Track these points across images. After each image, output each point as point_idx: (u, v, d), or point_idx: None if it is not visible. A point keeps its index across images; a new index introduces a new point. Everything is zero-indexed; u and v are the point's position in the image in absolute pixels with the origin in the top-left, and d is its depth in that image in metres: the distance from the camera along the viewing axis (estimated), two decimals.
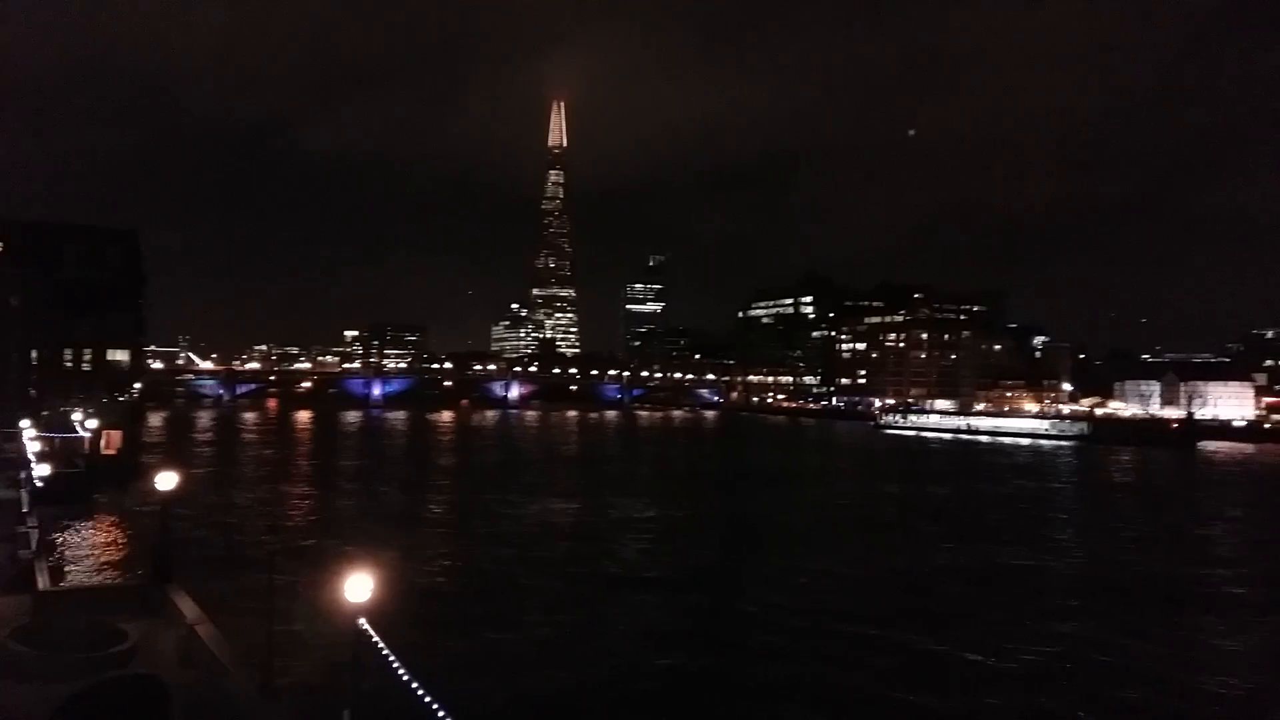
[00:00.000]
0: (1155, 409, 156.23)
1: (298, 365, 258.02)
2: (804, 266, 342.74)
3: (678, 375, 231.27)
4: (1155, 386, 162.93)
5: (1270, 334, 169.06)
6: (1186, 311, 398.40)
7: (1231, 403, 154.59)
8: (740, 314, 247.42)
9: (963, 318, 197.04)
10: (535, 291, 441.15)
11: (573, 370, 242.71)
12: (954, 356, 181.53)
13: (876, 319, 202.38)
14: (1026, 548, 41.15)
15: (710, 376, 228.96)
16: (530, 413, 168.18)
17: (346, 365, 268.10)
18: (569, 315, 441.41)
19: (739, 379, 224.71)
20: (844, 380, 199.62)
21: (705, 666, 22.78)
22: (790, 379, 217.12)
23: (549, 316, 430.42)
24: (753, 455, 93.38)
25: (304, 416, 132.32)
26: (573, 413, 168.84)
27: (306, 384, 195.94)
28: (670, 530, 43.39)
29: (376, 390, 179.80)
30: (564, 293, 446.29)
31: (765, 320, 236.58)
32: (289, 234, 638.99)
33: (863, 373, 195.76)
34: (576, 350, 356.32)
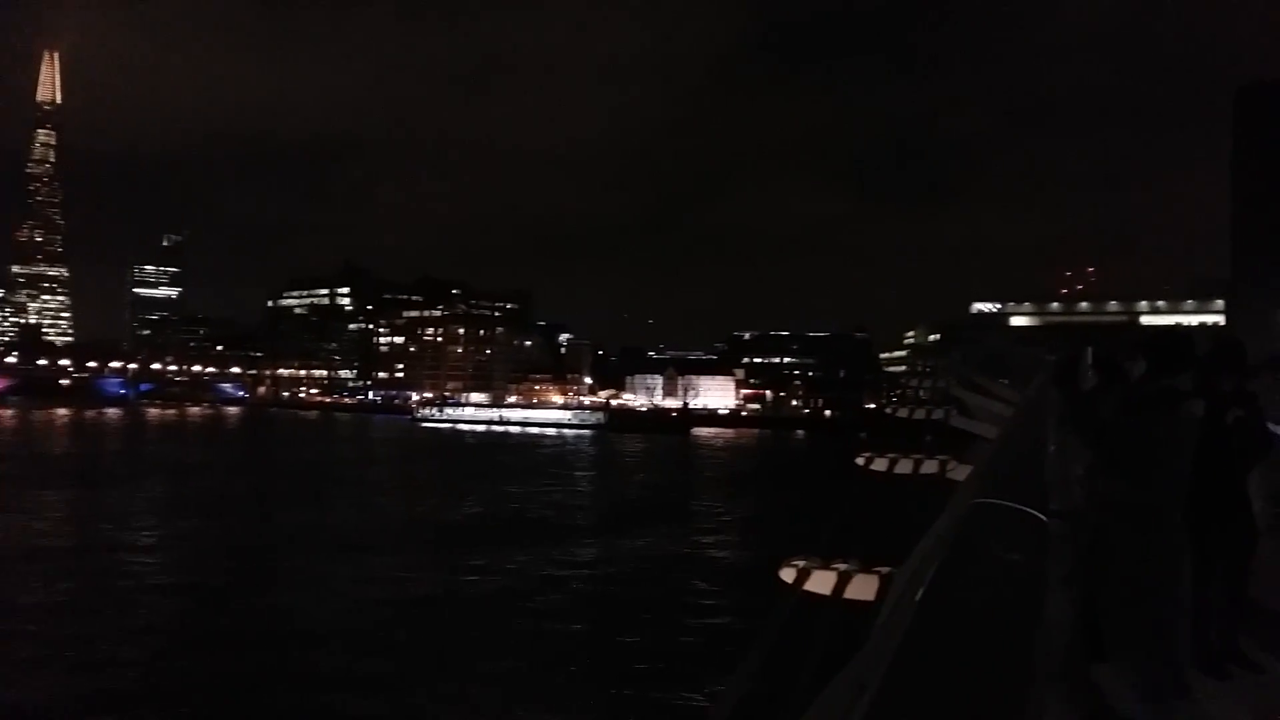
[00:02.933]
0: (659, 400, 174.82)
1: None
2: (343, 256, 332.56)
3: (197, 368, 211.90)
4: (659, 380, 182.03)
5: (748, 335, 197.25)
6: (686, 314, 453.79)
7: (718, 394, 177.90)
8: (271, 303, 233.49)
9: (497, 314, 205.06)
10: (16, 269, 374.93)
11: (65, 362, 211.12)
12: (489, 351, 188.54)
13: (415, 313, 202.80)
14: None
15: (235, 370, 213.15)
16: (5, 412, 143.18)
17: None
18: (60, 298, 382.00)
19: (268, 373, 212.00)
20: (381, 374, 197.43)
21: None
22: (325, 372, 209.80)
23: (34, 299, 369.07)
24: (272, 453, 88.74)
25: None
26: (63, 411, 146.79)
27: None
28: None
29: None
30: (54, 271, 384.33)
31: (299, 310, 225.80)
32: None
33: (400, 366, 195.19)
34: (70, 339, 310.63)
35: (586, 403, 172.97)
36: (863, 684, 2.37)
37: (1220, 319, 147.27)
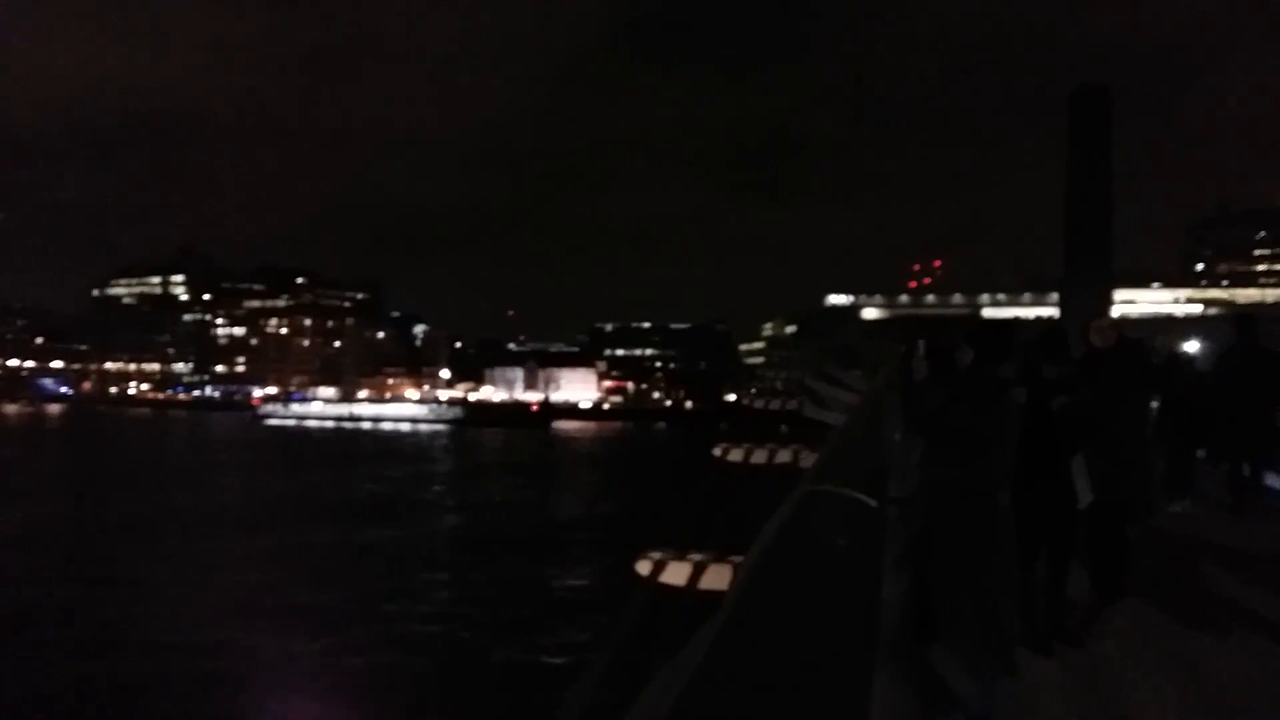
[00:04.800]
0: (519, 393, 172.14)
1: None
2: (178, 243, 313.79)
3: (14, 363, 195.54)
4: (519, 373, 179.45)
5: (609, 327, 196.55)
6: (547, 305, 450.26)
7: (580, 387, 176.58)
8: (97, 292, 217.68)
9: (347, 305, 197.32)
10: None
11: None
12: (338, 344, 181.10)
13: (258, 303, 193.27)
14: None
15: (58, 364, 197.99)
16: None
17: None
18: None
19: (94, 367, 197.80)
20: (221, 368, 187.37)
21: None
22: (158, 366, 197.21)
23: None
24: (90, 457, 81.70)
25: None
26: None
27: None
28: None
29: None
30: None
31: (128, 300, 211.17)
32: None
33: (242, 360, 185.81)
34: None
35: (443, 397, 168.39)
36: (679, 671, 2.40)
37: (1055, 310, 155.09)
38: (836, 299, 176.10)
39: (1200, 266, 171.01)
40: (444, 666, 21.52)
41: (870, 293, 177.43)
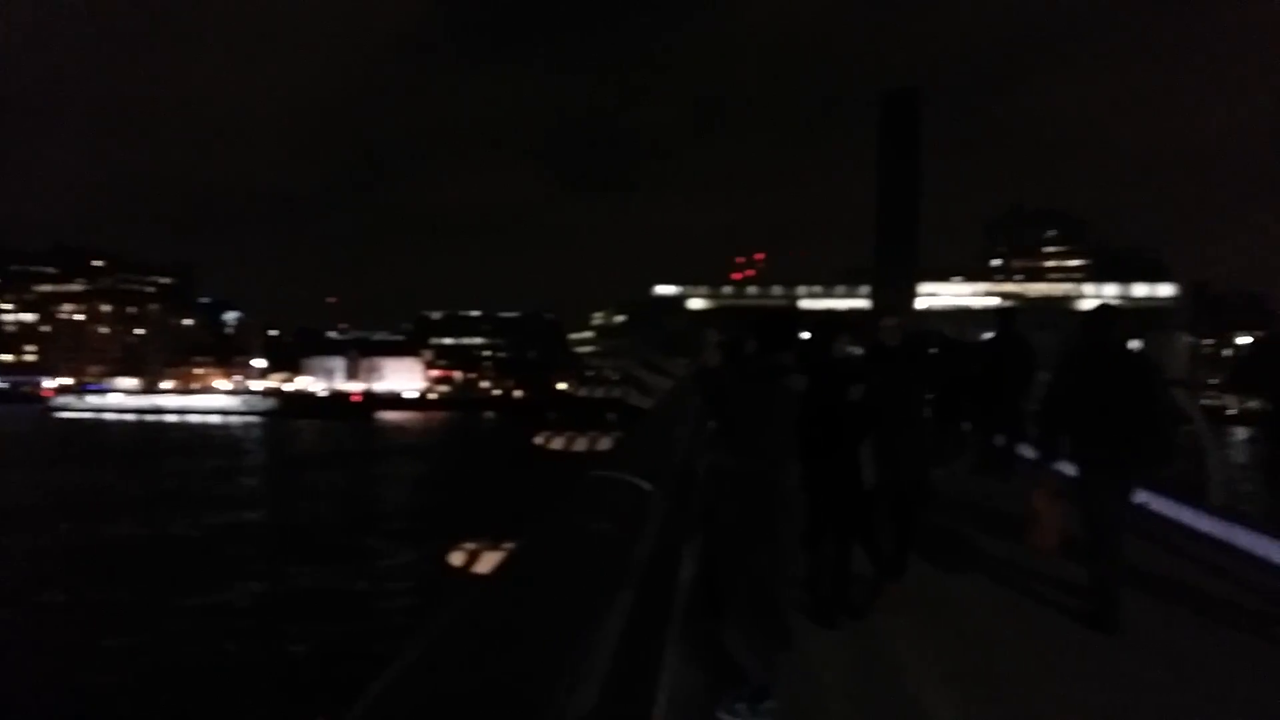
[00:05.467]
0: (340, 383, 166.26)
1: None
2: None
3: None
4: (340, 362, 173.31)
5: (437, 315, 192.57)
6: (370, 293, 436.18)
7: (405, 376, 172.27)
8: None
9: (151, 290, 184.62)
10: None
11: None
12: (141, 331, 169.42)
13: (50, 287, 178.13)
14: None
15: None
16: None
17: None
18: None
19: None
20: (8, 357, 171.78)
21: None
22: None
23: None
24: None
25: None
26: None
27: None
28: None
29: None
30: None
31: None
32: None
33: (32, 349, 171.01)
34: None
35: (258, 387, 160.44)
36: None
37: (867, 303, 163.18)
38: (664, 289, 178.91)
39: (997, 262, 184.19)
40: (226, 660, 20.60)
41: (696, 284, 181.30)
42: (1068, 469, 6.37)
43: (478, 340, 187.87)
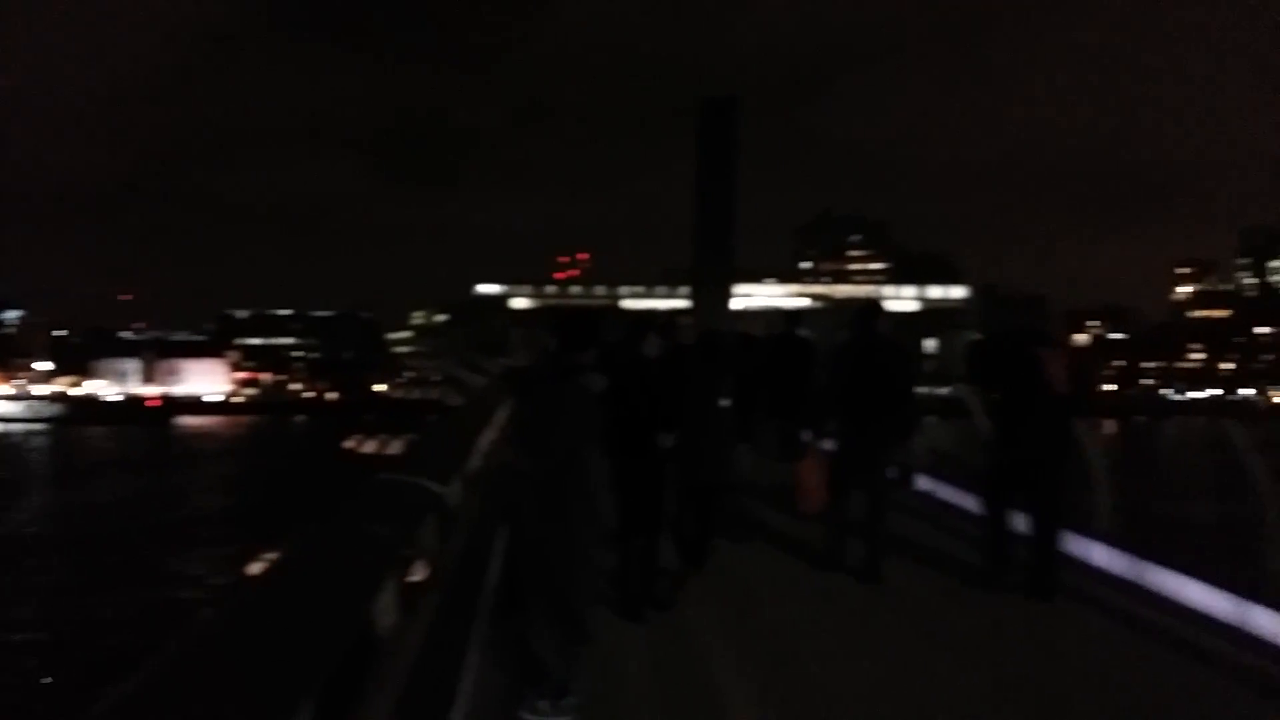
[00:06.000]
0: (135, 387, 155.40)
1: None
2: None
3: None
4: (134, 364, 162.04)
5: (243, 314, 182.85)
6: (169, 291, 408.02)
7: (207, 379, 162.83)
8: None
9: None
10: None
11: None
12: None
13: None
14: None
15: None
16: None
17: None
18: None
19: None
20: None
21: None
22: None
23: None
24: None
25: None
26: None
27: None
28: None
29: None
30: None
31: None
32: None
33: None
34: None
35: (42, 392, 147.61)
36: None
37: (687, 303, 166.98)
38: (487, 288, 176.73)
39: (807, 265, 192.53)
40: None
41: (520, 283, 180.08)
42: (832, 445, 7.35)
43: (288, 340, 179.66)
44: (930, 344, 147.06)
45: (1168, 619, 5.90)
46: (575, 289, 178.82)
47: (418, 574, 6.19)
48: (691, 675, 4.94)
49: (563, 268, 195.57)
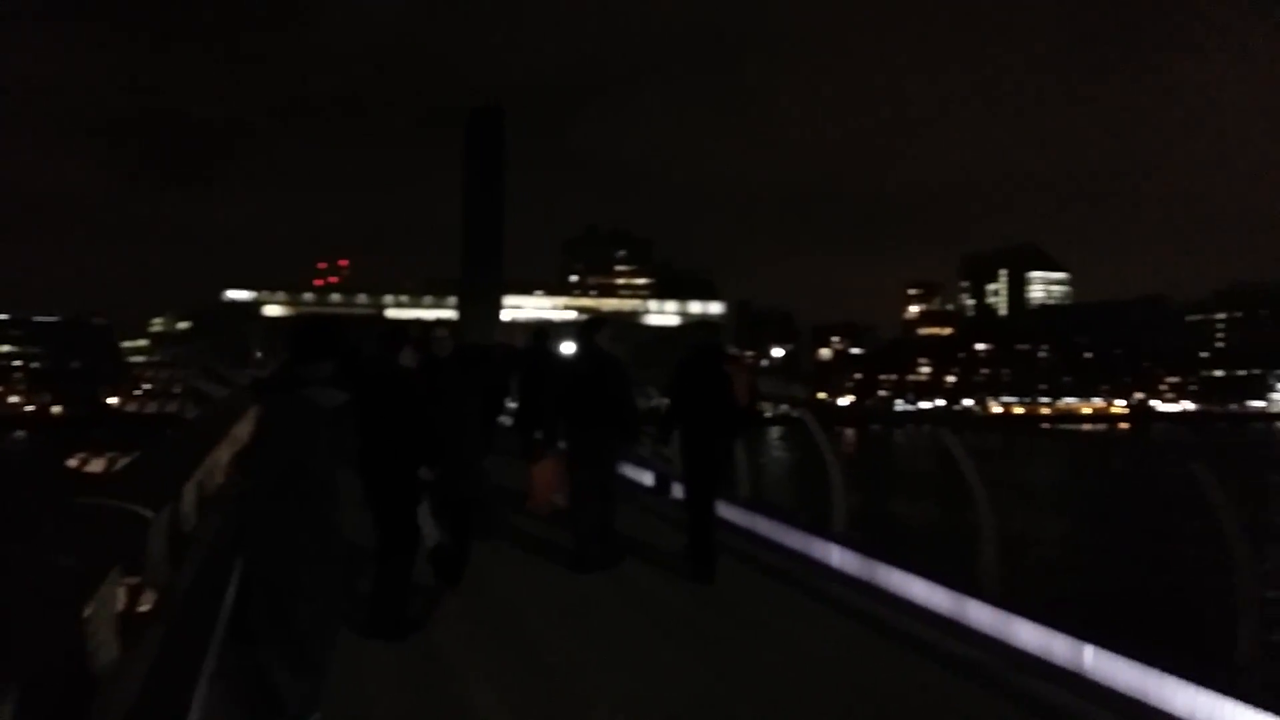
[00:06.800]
0: None
1: None
2: None
3: None
4: None
5: None
6: None
7: None
8: None
9: None
10: None
11: None
12: None
13: None
14: None
15: None
16: None
17: None
18: None
19: None
20: None
21: None
22: None
23: None
24: None
25: None
26: None
27: None
28: None
29: None
30: None
31: None
32: None
33: None
34: None
35: None
36: None
37: (454, 313, 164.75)
38: (236, 294, 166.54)
39: (575, 278, 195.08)
40: None
41: (274, 289, 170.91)
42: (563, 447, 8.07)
43: (6, 349, 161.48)
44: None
45: (894, 613, 6.36)
46: (335, 296, 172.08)
47: (144, 604, 5.67)
48: (445, 695, 4.82)
49: (322, 274, 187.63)
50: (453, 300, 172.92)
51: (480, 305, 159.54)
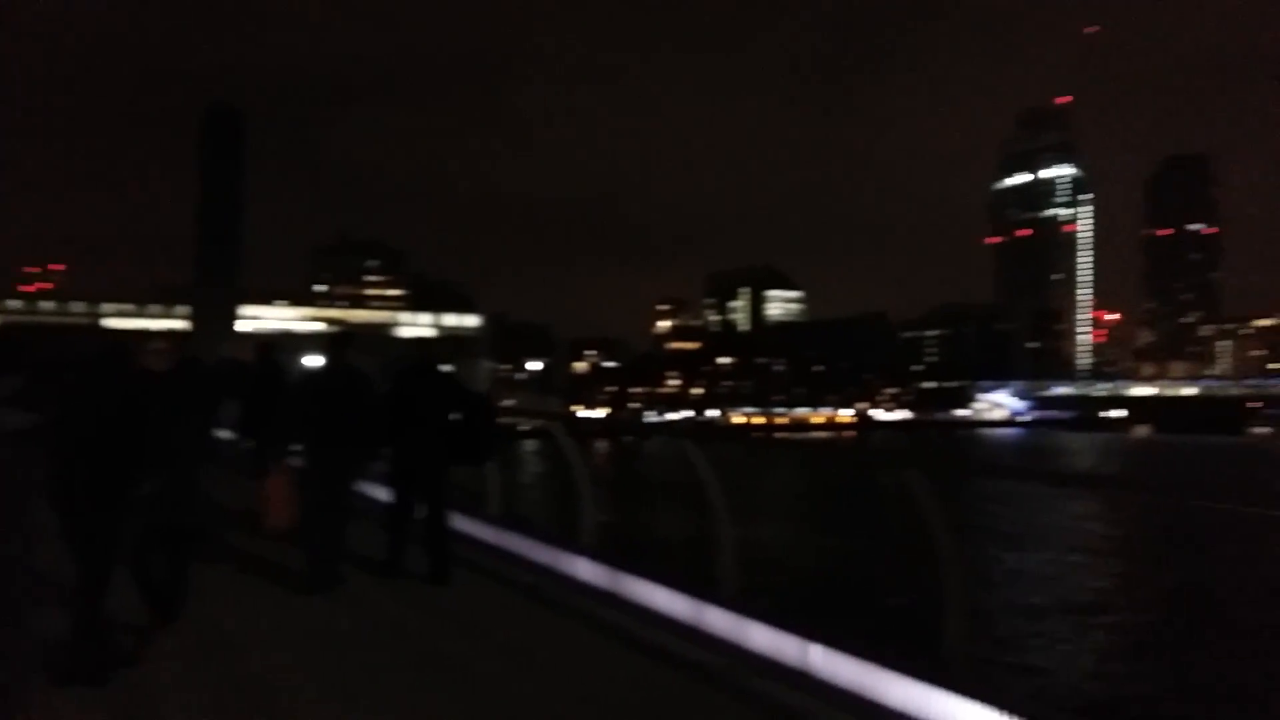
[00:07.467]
0: None
1: None
2: None
3: None
4: None
5: None
6: None
7: None
8: None
9: None
10: None
11: None
12: None
13: None
14: None
15: None
16: None
17: None
18: None
19: None
20: None
21: None
22: None
23: None
24: None
25: None
26: None
27: None
28: None
29: None
30: None
31: None
32: None
33: None
34: None
35: None
36: None
37: (185, 323, 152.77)
38: None
39: (322, 288, 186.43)
40: None
41: None
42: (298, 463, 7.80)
43: None
44: (444, 370, 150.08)
45: (639, 624, 6.48)
46: (47, 304, 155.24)
47: None
48: None
49: (31, 280, 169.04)
50: (183, 309, 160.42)
51: (213, 315, 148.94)
